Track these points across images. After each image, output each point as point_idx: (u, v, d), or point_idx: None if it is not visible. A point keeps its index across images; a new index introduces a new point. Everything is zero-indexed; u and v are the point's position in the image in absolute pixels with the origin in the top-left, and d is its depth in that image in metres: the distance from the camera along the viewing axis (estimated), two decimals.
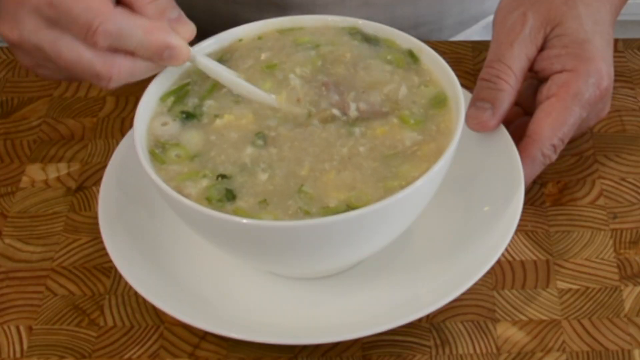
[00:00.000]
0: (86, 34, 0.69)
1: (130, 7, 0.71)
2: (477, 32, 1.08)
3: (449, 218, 0.76)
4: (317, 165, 0.69)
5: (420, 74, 0.75)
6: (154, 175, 0.67)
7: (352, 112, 0.71)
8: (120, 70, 0.70)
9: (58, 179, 0.83)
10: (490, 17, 1.07)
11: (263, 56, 0.76)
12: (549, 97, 0.76)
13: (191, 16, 1.03)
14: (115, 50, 0.70)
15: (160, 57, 0.70)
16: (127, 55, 0.70)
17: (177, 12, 0.72)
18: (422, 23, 1.01)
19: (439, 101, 0.72)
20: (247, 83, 0.74)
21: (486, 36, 1.07)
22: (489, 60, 0.78)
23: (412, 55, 0.75)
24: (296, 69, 0.74)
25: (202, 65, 0.74)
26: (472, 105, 0.76)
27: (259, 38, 0.78)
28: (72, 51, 0.70)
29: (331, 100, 0.72)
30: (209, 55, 0.76)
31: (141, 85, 0.81)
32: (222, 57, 0.77)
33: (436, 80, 0.74)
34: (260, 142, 0.71)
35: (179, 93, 0.74)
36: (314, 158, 0.70)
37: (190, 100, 0.74)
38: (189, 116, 0.73)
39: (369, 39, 0.77)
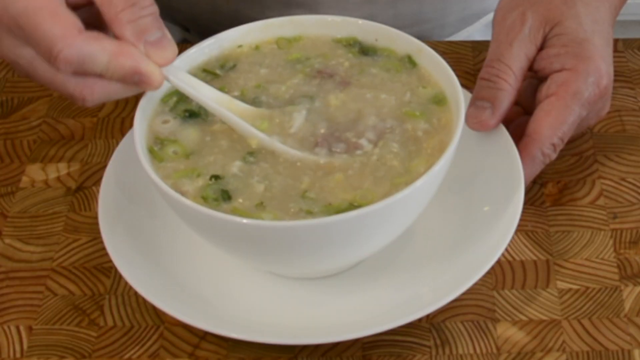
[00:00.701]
0: (49, 59, 0.67)
1: (108, 26, 0.69)
2: (478, 30, 1.08)
3: (449, 218, 0.76)
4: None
5: (419, 78, 0.75)
6: (153, 175, 0.67)
7: (367, 146, 0.70)
8: (93, 92, 0.68)
9: (58, 179, 0.83)
10: (492, 15, 1.07)
11: (262, 72, 0.76)
12: (549, 96, 0.76)
13: (193, 13, 1.03)
14: (83, 73, 0.68)
15: (131, 82, 0.68)
16: (99, 78, 0.68)
17: (159, 34, 0.68)
18: (425, 20, 1.01)
19: (438, 100, 0.73)
20: (233, 115, 0.71)
21: (487, 34, 1.07)
22: (489, 59, 0.78)
23: (410, 61, 0.75)
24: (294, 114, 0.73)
25: (181, 89, 0.71)
26: (472, 104, 0.76)
27: (256, 48, 0.78)
28: (46, 71, 0.69)
29: (337, 149, 0.71)
30: (208, 61, 0.76)
31: None
32: (224, 65, 0.76)
33: (435, 83, 0.74)
34: (251, 158, 0.71)
35: (181, 93, 0.74)
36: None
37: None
38: (192, 115, 0.73)
39: (366, 50, 0.77)
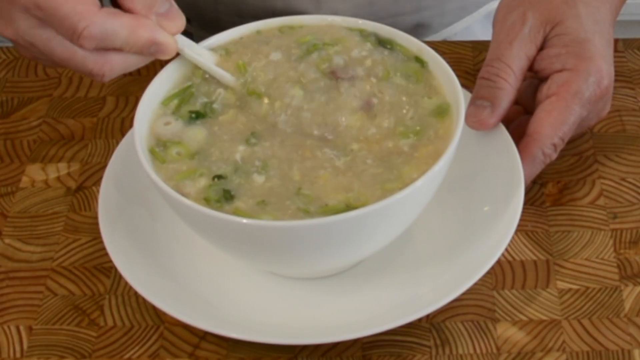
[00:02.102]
0: (72, 37, 0.69)
1: (119, 3, 0.71)
2: (478, 21, 1.08)
3: (449, 218, 0.76)
4: (316, 162, 0.69)
5: (425, 86, 0.74)
6: (154, 176, 0.67)
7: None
8: (112, 67, 0.71)
9: (58, 179, 0.83)
10: (492, 4, 1.07)
11: (273, 56, 0.75)
12: (550, 96, 0.76)
13: (196, 3, 1.03)
14: (104, 49, 0.70)
15: (148, 53, 0.71)
16: (118, 52, 0.71)
17: (167, 5, 0.72)
18: (425, 7, 1.01)
19: (441, 111, 0.72)
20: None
21: (487, 25, 1.07)
22: (489, 59, 0.78)
23: (418, 60, 0.75)
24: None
25: (191, 58, 0.74)
26: (472, 103, 0.76)
27: (258, 32, 0.77)
28: (65, 50, 0.71)
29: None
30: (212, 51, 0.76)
31: (141, 85, 0.81)
32: (229, 49, 0.76)
33: (439, 87, 0.74)
34: (254, 140, 0.71)
35: (183, 95, 0.74)
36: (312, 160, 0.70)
37: (199, 101, 0.74)
38: (198, 115, 0.73)
39: (383, 42, 0.76)
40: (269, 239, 0.66)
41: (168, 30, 0.72)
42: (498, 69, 0.76)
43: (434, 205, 0.72)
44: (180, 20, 0.72)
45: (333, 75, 0.74)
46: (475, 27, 1.08)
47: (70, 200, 0.81)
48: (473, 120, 0.75)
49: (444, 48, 0.93)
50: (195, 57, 0.74)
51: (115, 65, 0.71)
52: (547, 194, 0.80)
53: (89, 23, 0.69)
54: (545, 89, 0.77)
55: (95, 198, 0.81)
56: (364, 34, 0.76)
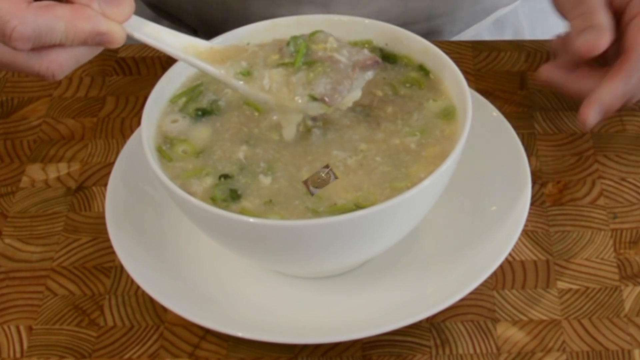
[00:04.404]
0: (4, 40, 0.64)
1: None
2: (487, 28, 1.08)
3: (455, 218, 0.76)
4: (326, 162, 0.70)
5: (430, 89, 0.74)
6: (161, 175, 0.67)
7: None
8: (60, 64, 0.66)
9: (58, 179, 0.83)
10: (500, 11, 1.07)
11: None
12: (637, 15, 0.75)
13: (202, 14, 1.03)
14: (44, 47, 0.65)
15: (93, 44, 0.66)
16: (62, 47, 0.66)
17: None
18: (436, 15, 1.01)
19: (447, 113, 0.72)
20: (199, 61, 0.69)
21: (496, 32, 1.07)
22: (573, 15, 0.77)
23: (422, 69, 0.75)
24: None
25: (147, 43, 0.69)
26: (577, 36, 0.75)
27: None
28: (5, 53, 0.66)
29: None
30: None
31: (141, 85, 0.81)
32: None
33: (445, 90, 0.73)
34: (253, 141, 0.71)
35: (191, 94, 0.74)
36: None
37: (205, 99, 0.74)
38: (205, 113, 0.73)
39: (387, 57, 0.76)
40: (277, 238, 0.66)
41: (114, 18, 0.66)
42: (587, 9, 0.76)
43: (441, 205, 0.72)
44: (128, 6, 0.66)
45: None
46: (484, 34, 1.08)
47: (70, 200, 0.81)
48: (586, 46, 0.74)
49: (444, 48, 0.92)
50: (152, 42, 0.69)
51: (64, 62, 0.66)
52: (547, 194, 0.80)
53: (17, 23, 0.63)
54: (633, 9, 0.76)
55: (95, 198, 0.81)
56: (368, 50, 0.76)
